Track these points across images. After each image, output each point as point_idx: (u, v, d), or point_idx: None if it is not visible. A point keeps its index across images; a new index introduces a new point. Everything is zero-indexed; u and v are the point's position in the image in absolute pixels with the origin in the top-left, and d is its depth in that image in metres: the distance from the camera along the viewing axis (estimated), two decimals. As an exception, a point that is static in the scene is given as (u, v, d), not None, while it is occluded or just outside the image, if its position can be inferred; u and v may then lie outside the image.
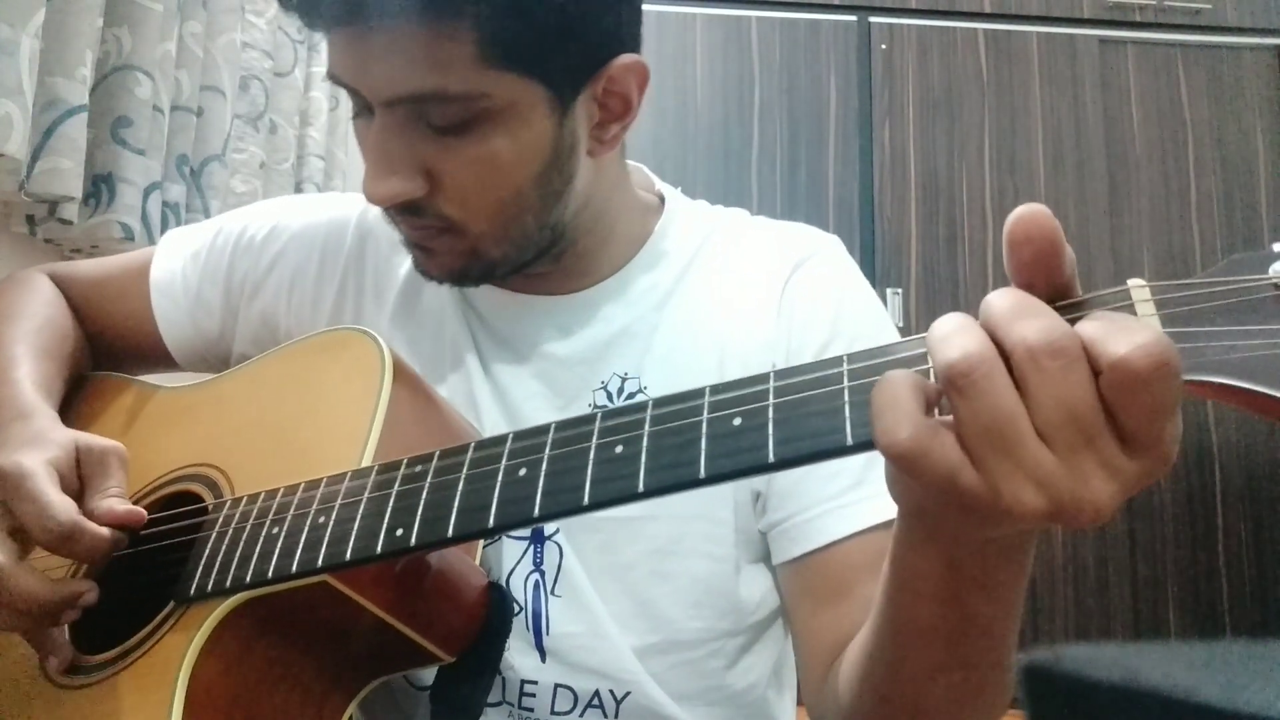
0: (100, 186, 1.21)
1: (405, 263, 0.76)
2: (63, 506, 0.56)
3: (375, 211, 0.77)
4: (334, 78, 0.61)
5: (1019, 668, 0.23)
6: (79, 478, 0.60)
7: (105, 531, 0.57)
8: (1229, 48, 2.30)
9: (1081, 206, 2.21)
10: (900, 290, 2.15)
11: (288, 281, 0.78)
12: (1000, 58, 2.27)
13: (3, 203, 1.13)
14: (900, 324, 2.09)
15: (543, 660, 0.66)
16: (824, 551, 0.63)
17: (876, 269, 2.16)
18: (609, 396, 0.69)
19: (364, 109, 0.62)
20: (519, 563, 0.66)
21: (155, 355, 0.83)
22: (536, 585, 0.66)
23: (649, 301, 0.72)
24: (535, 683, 0.65)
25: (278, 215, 0.81)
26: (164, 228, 1.30)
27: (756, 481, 0.67)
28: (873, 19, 2.27)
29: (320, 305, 0.77)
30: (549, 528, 0.67)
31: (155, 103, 1.26)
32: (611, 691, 0.65)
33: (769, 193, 2.19)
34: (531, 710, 0.65)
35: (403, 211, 0.64)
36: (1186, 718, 0.17)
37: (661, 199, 0.78)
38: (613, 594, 0.66)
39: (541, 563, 0.66)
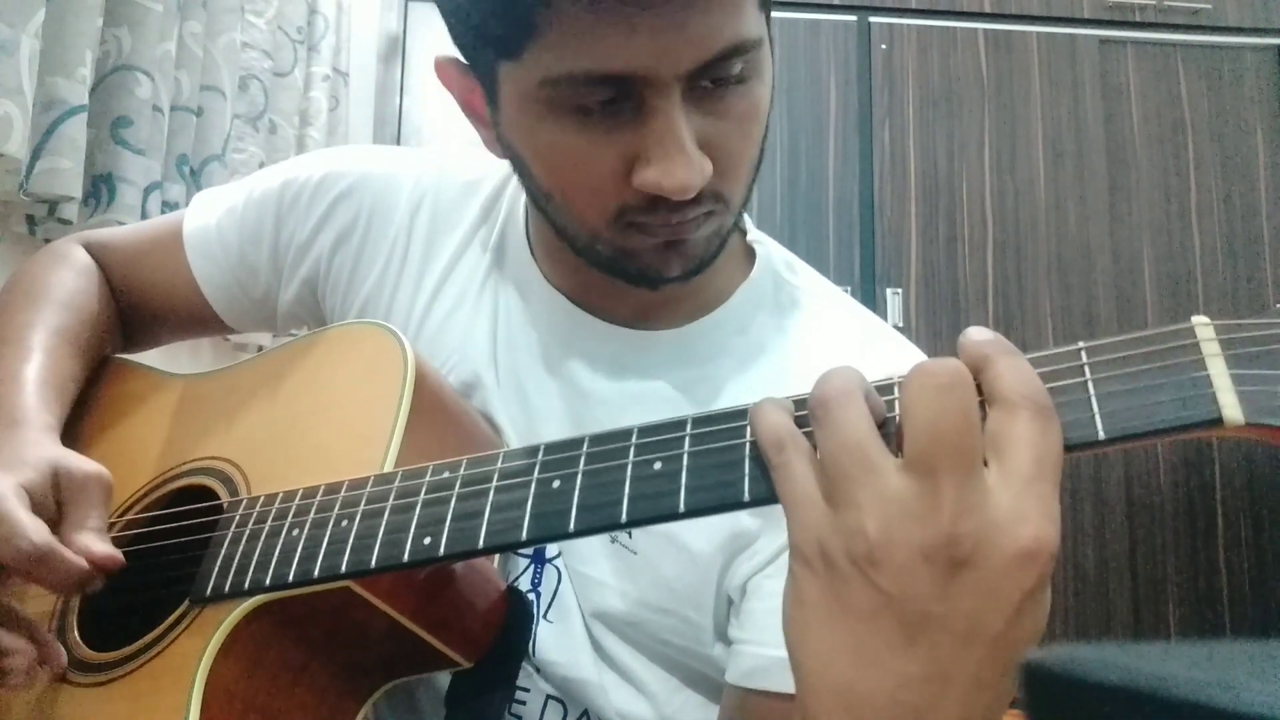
0: (100, 186, 1.21)
1: (452, 241, 0.72)
2: (33, 528, 0.53)
3: (433, 176, 0.74)
4: (601, 76, 0.52)
5: (1019, 668, 0.23)
6: (57, 502, 0.58)
7: (81, 560, 0.54)
8: (1229, 48, 2.30)
9: (1081, 206, 2.21)
10: (900, 290, 2.15)
11: (330, 246, 0.74)
12: (1000, 58, 2.26)
13: (3, 203, 1.13)
14: (900, 324, 2.09)
15: (536, 671, 0.65)
16: (764, 697, 0.57)
17: (876, 269, 2.16)
18: None
19: (616, 99, 0.54)
20: (517, 579, 0.65)
21: (203, 319, 0.80)
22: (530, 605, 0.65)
23: (706, 378, 0.65)
24: (528, 690, 0.65)
25: (325, 166, 0.75)
26: (164, 228, 1.30)
27: (731, 588, 0.62)
28: (873, 19, 2.27)
29: (359, 275, 0.73)
30: (550, 550, 0.65)
31: (155, 103, 1.27)
32: (600, 716, 0.65)
33: (769, 193, 2.19)
34: (521, 718, 0.65)
35: (686, 202, 0.56)
36: (1186, 718, 0.17)
37: (751, 249, 0.70)
38: (600, 633, 0.65)
39: (539, 584, 0.65)
